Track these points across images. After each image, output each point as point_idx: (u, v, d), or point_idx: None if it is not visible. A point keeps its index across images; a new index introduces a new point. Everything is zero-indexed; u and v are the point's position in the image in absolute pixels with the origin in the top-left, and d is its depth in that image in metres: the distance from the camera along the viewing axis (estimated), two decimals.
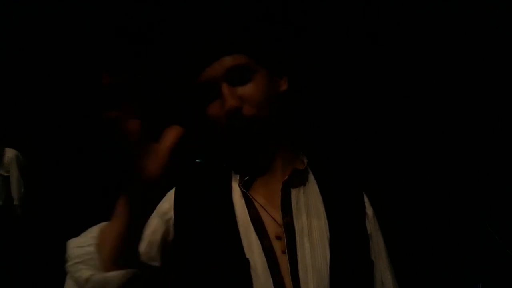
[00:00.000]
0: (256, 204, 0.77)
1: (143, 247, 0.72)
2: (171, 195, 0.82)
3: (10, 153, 3.40)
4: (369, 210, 0.84)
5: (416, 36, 2.88)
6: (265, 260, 0.71)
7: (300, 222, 0.76)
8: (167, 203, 0.81)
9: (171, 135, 0.56)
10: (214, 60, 0.78)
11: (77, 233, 0.66)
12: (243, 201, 0.78)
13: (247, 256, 0.71)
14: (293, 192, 0.79)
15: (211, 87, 0.78)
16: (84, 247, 0.61)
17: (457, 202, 2.73)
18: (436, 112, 2.90)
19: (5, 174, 3.37)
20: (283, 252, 0.72)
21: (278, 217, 0.76)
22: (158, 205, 0.81)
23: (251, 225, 0.75)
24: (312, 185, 0.82)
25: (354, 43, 2.81)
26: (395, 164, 2.86)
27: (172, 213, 0.79)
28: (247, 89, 0.77)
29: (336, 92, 2.79)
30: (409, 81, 2.86)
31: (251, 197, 0.78)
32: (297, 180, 0.81)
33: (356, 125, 2.91)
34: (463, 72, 2.79)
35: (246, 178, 0.80)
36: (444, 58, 2.83)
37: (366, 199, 0.85)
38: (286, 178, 0.79)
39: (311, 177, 0.83)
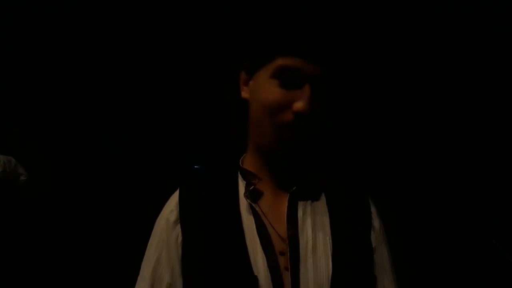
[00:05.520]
0: (262, 216, 0.76)
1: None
2: (174, 207, 0.80)
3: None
4: (375, 222, 0.81)
5: (416, 37, 2.88)
6: (270, 276, 0.70)
7: (305, 236, 0.74)
8: (173, 216, 0.79)
9: None
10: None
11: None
12: (250, 211, 0.77)
13: (255, 273, 0.70)
14: (300, 204, 0.77)
15: (286, 74, 0.72)
16: None
17: (458, 206, 2.74)
18: (439, 117, 2.91)
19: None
20: (286, 268, 0.71)
21: (283, 229, 0.74)
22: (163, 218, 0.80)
23: (257, 238, 0.74)
24: (320, 197, 0.80)
25: (354, 44, 2.80)
26: (399, 170, 2.86)
27: (179, 228, 0.77)
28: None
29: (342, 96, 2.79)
30: (413, 86, 2.86)
31: (257, 209, 0.76)
32: (305, 191, 0.79)
33: (364, 133, 2.90)
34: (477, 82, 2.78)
35: (251, 188, 0.78)
36: (450, 61, 2.83)
37: (373, 210, 0.83)
38: (294, 188, 0.77)
39: (319, 188, 0.81)
